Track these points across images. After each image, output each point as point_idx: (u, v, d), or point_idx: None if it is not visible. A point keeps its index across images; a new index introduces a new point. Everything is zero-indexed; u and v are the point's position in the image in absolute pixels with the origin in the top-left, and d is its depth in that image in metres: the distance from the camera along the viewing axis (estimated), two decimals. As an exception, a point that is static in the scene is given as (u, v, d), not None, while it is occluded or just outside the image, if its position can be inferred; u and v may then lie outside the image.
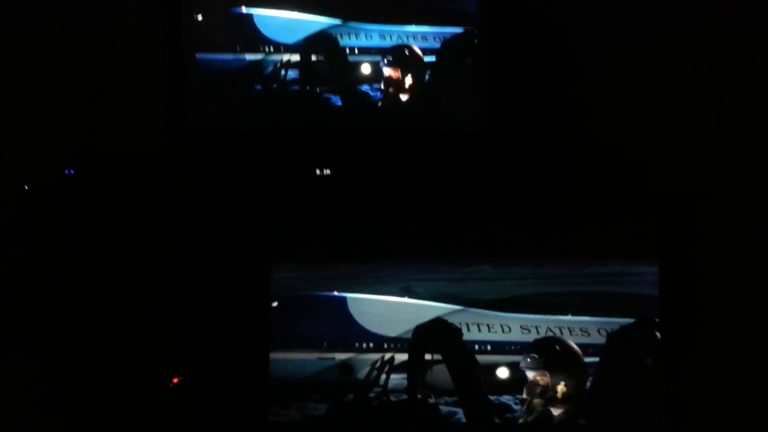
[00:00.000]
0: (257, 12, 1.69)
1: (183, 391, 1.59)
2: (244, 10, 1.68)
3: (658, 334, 1.37)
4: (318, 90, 1.71)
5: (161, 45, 1.67)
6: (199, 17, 1.67)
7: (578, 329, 1.38)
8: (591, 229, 1.40)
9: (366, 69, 1.70)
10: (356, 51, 1.70)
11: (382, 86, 1.71)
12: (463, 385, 1.37)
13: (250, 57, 1.69)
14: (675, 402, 1.37)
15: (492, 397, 1.36)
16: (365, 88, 1.71)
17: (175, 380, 1.59)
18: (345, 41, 1.70)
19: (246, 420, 1.39)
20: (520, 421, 1.36)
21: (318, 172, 1.69)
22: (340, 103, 1.71)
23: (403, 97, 1.71)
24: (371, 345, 1.38)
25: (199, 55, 1.68)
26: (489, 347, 1.38)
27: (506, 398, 1.37)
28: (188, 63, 1.67)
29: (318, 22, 1.69)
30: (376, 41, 1.70)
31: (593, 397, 1.37)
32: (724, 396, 1.58)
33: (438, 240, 1.40)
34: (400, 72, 1.70)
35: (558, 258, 1.38)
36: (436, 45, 1.70)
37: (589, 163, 1.70)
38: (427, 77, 1.71)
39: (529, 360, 1.37)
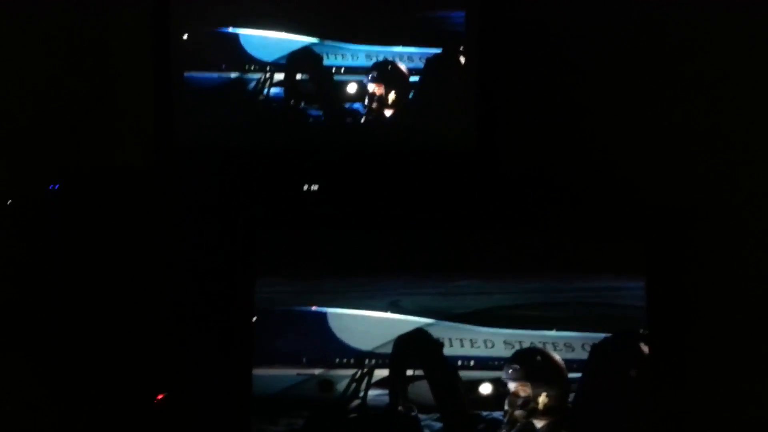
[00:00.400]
0: (243, 32, 1.71)
1: (168, 407, 1.58)
2: (230, 29, 1.70)
3: (642, 346, 1.36)
4: (303, 106, 1.72)
5: (150, 63, 1.69)
6: (187, 37, 1.69)
7: (562, 344, 1.37)
8: (578, 244, 1.39)
9: (351, 87, 1.72)
10: (342, 70, 1.72)
11: (366, 102, 1.72)
12: (444, 399, 1.35)
13: (236, 75, 1.71)
14: (661, 416, 1.35)
15: (481, 413, 1.34)
16: (352, 105, 1.72)
17: (160, 396, 1.58)
18: (331, 61, 1.72)
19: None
20: (503, 432, 1.35)
21: (306, 187, 1.70)
22: (324, 119, 1.73)
23: (388, 113, 1.72)
24: (351, 361, 1.36)
25: (187, 74, 1.70)
26: (472, 362, 1.37)
27: (489, 413, 1.35)
28: (176, 81, 1.69)
29: (304, 41, 1.71)
30: (362, 61, 1.71)
31: (577, 409, 1.35)
32: (710, 410, 1.55)
33: (425, 255, 1.39)
34: (383, 88, 1.71)
35: (545, 273, 1.38)
36: (422, 65, 1.71)
37: (577, 179, 1.71)
38: (412, 94, 1.72)
39: (510, 371, 1.35)
